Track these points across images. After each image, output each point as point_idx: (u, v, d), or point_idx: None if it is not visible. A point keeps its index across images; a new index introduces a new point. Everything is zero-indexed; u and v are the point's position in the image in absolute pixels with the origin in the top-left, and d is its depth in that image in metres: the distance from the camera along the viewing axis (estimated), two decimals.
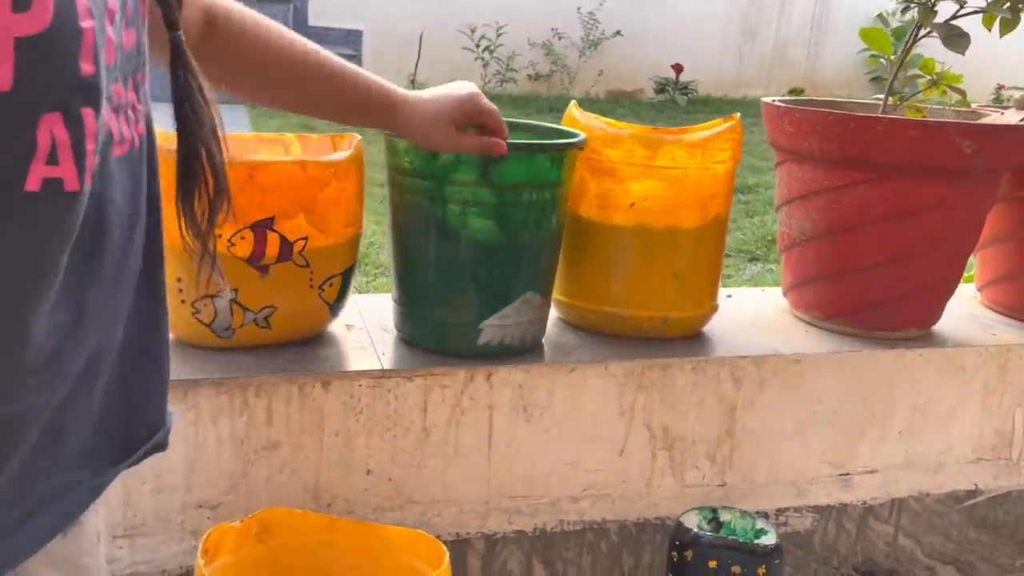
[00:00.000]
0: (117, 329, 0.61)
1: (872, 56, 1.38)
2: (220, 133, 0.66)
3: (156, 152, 0.61)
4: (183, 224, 0.66)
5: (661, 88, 7.63)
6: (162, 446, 0.69)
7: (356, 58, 7.19)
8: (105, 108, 0.51)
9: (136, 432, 0.66)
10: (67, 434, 0.58)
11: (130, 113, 0.56)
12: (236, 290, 1.01)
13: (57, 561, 0.66)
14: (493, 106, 0.97)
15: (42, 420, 0.55)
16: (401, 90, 0.95)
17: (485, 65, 7.23)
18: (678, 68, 7.61)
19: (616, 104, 6.82)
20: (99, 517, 0.73)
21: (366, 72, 0.92)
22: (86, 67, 0.47)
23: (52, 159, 0.47)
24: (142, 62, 0.57)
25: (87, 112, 0.48)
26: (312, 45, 0.88)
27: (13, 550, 0.56)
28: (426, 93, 0.96)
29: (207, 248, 0.68)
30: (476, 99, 0.96)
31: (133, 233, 0.59)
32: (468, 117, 0.96)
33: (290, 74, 0.86)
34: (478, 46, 7.13)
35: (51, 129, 0.47)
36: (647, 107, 6.85)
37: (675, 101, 7.30)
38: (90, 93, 0.48)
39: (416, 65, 7.01)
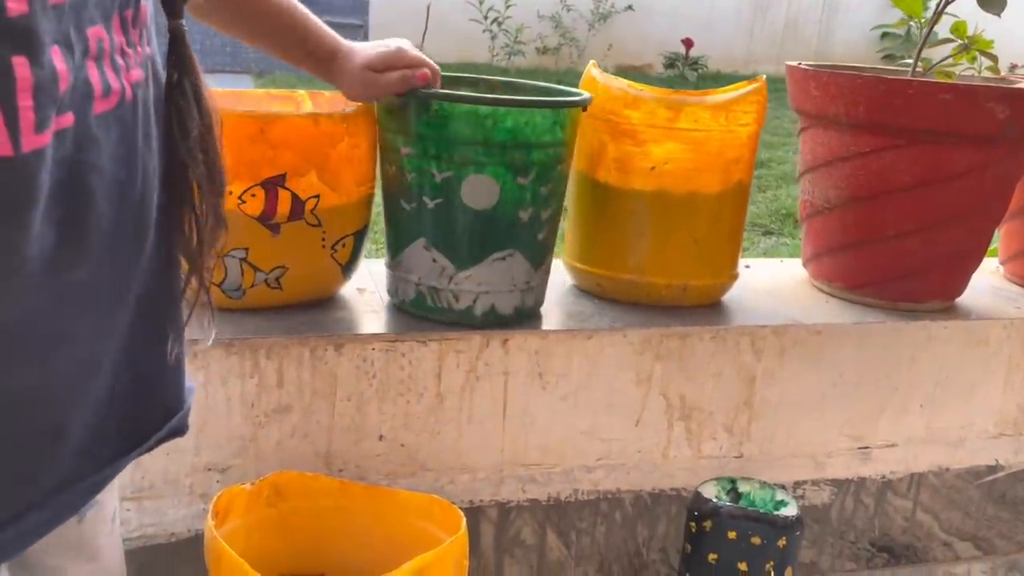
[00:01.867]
0: (119, 309, 0.55)
1: (886, 34, 1.34)
2: (212, 148, 0.57)
3: (163, 98, 0.53)
4: (170, 239, 0.58)
5: (671, 63, 7.55)
6: (179, 431, 0.64)
7: (363, 28, 7.12)
8: (61, 57, 0.43)
9: (150, 417, 0.61)
10: (68, 427, 0.53)
11: (118, 59, 0.48)
12: (247, 249, 0.98)
13: (72, 543, 0.63)
14: (421, 56, 0.96)
15: (37, 412, 0.51)
16: (347, 44, 0.95)
17: (493, 37, 7.16)
18: (688, 43, 7.53)
19: (625, 79, 6.74)
20: (115, 495, 0.71)
21: (320, 24, 0.94)
22: (14, 5, 0.39)
23: None
24: None
25: (18, 61, 0.40)
26: None
27: (9, 542, 0.52)
28: (358, 45, 0.96)
29: (199, 278, 0.60)
30: (401, 49, 0.95)
31: (129, 201, 0.51)
32: (389, 64, 0.95)
33: (253, 11, 0.88)
34: (486, 18, 7.04)
35: None
36: (656, 82, 6.72)
37: (684, 77, 7.23)
38: (22, 37, 0.40)
39: (423, 37, 6.94)
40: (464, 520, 0.87)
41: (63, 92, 0.43)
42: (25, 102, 0.41)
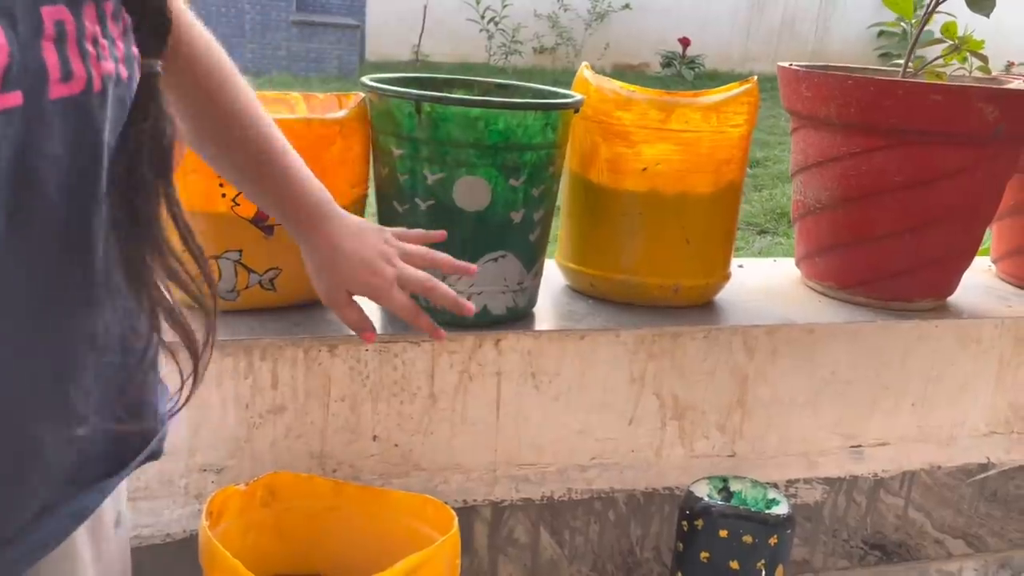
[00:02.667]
0: (95, 311, 0.51)
1: (883, 32, 1.35)
2: (176, 209, 0.54)
3: (143, 99, 0.51)
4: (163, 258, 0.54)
5: (667, 62, 7.56)
6: (157, 454, 0.61)
7: (359, 28, 7.13)
8: (4, 33, 0.41)
9: (128, 439, 0.58)
10: (43, 443, 0.50)
11: (88, 46, 0.46)
12: (240, 251, 0.99)
13: (69, 554, 0.59)
14: (402, 299, 0.82)
15: (3, 425, 0.47)
16: (335, 215, 0.81)
17: (490, 37, 7.17)
18: (685, 42, 7.54)
19: (622, 78, 6.76)
20: (120, 499, 0.67)
21: (305, 173, 0.80)
22: None
23: None
24: None
25: None
26: (262, 116, 0.76)
27: None
28: (347, 244, 0.81)
29: (203, 287, 0.58)
30: (383, 293, 0.82)
31: (88, 193, 0.48)
32: (371, 297, 0.83)
33: (227, 138, 0.74)
34: (483, 17, 7.05)
35: None
36: (653, 81, 6.79)
37: (681, 75, 7.24)
38: None
39: (420, 36, 6.95)
40: (456, 520, 0.87)
41: (3, 67, 0.41)
42: None
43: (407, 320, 0.84)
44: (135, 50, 0.51)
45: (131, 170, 0.52)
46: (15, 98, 0.42)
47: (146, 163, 0.52)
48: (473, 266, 0.88)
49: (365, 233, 0.83)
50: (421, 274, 0.83)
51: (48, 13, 0.43)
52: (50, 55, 0.44)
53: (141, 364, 0.58)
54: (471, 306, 0.84)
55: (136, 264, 0.54)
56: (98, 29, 0.47)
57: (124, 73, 0.49)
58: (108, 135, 0.49)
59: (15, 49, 0.42)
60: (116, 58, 0.49)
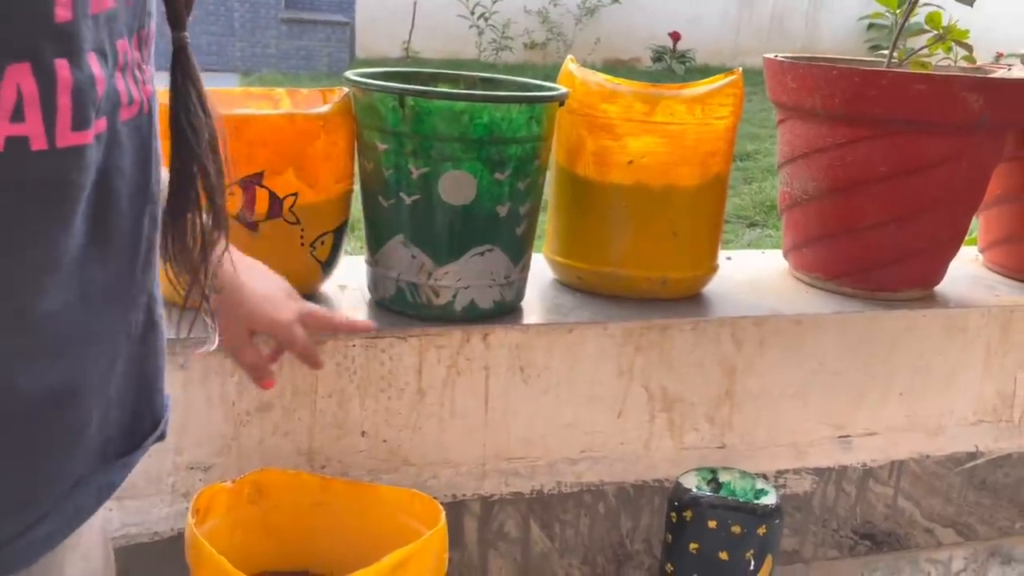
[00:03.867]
0: (131, 312, 0.57)
1: (872, 24, 1.36)
2: (221, 150, 0.60)
3: (156, 117, 0.57)
4: (170, 253, 0.60)
5: (658, 57, 7.57)
6: (163, 436, 0.67)
7: (349, 26, 7.11)
8: (96, 63, 0.46)
9: (143, 420, 0.63)
10: (90, 426, 0.55)
11: (137, 73, 0.52)
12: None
13: (72, 558, 0.63)
14: (304, 337, 0.86)
15: (68, 410, 0.52)
16: (239, 256, 0.81)
17: (480, 33, 7.16)
18: (675, 36, 7.55)
19: (612, 73, 6.76)
20: (112, 514, 0.71)
21: None
22: (61, 12, 0.43)
23: (17, 115, 0.43)
24: (148, 19, 0.53)
25: (61, 63, 0.44)
26: None
27: (25, 550, 0.53)
28: (252, 284, 0.83)
29: (198, 283, 0.62)
30: (286, 331, 0.84)
31: (142, 206, 0.55)
32: (272, 338, 0.86)
33: None
34: (473, 13, 7.04)
35: (17, 81, 0.42)
36: (644, 76, 6.80)
37: (672, 70, 7.25)
38: (65, 42, 0.44)
39: (410, 33, 6.93)
40: (443, 514, 0.87)
41: (100, 97, 0.47)
42: (64, 101, 0.45)
43: (307, 360, 0.87)
44: (152, 70, 0.56)
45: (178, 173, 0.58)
46: (102, 124, 0.48)
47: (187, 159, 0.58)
48: (370, 323, 0.93)
49: (270, 277, 0.86)
50: (322, 309, 0.89)
51: (120, 46, 0.49)
52: (120, 83, 0.50)
53: (156, 351, 0.63)
54: (369, 323, 0.92)
55: (156, 253, 0.59)
56: (140, 56, 0.53)
57: (154, 92, 0.56)
58: (153, 152, 0.55)
59: (106, 80, 0.48)
60: (151, 79, 0.55)
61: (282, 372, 1.00)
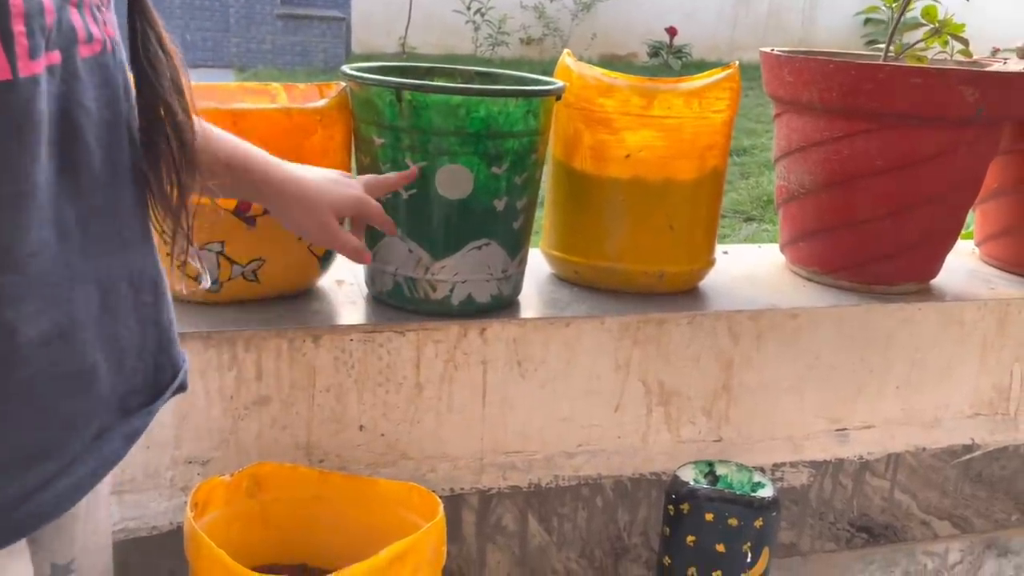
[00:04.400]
0: (128, 253, 0.59)
1: (869, 20, 1.36)
2: (185, 89, 0.61)
3: (126, 64, 0.57)
4: (152, 197, 0.61)
5: (655, 52, 7.56)
6: (184, 386, 0.68)
7: (345, 21, 7.09)
8: None
9: (163, 370, 0.64)
10: (98, 371, 0.56)
11: (97, 12, 0.52)
12: (223, 242, 0.98)
13: (77, 510, 0.64)
14: (380, 207, 0.91)
15: (66, 354, 0.53)
16: (276, 162, 0.83)
17: (476, 28, 7.15)
18: (672, 31, 7.54)
19: (609, 68, 6.75)
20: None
21: (235, 140, 0.81)
22: None
23: None
24: None
25: None
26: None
27: (53, 502, 0.54)
28: (309, 175, 0.86)
29: (180, 227, 0.64)
30: (363, 202, 0.88)
31: (114, 145, 0.55)
32: (353, 213, 0.89)
33: None
34: (469, 8, 7.03)
35: None
36: (640, 71, 6.77)
37: (669, 65, 7.25)
38: None
39: (406, 28, 6.91)
40: (441, 506, 0.88)
41: (49, 26, 0.47)
42: (18, 27, 0.45)
43: (379, 223, 0.92)
44: (114, 16, 0.56)
45: (148, 123, 0.59)
46: (55, 56, 0.48)
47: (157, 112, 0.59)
48: (415, 169, 0.96)
49: (318, 168, 0.89)
50: (375, 176, 0.93)
51: None
52: (76, 18, 0.50)
53: (167, 303, 0.65)
54: (415, 169, 0.96)
55: (157, 210, 0.61)
56: None
57: (117, 37, 0.56)
58: (122, 92, 0.55)
59: (56, 10, 0.47)
60: (112, 24, 0.55)
61: (280, 366, 1.01)
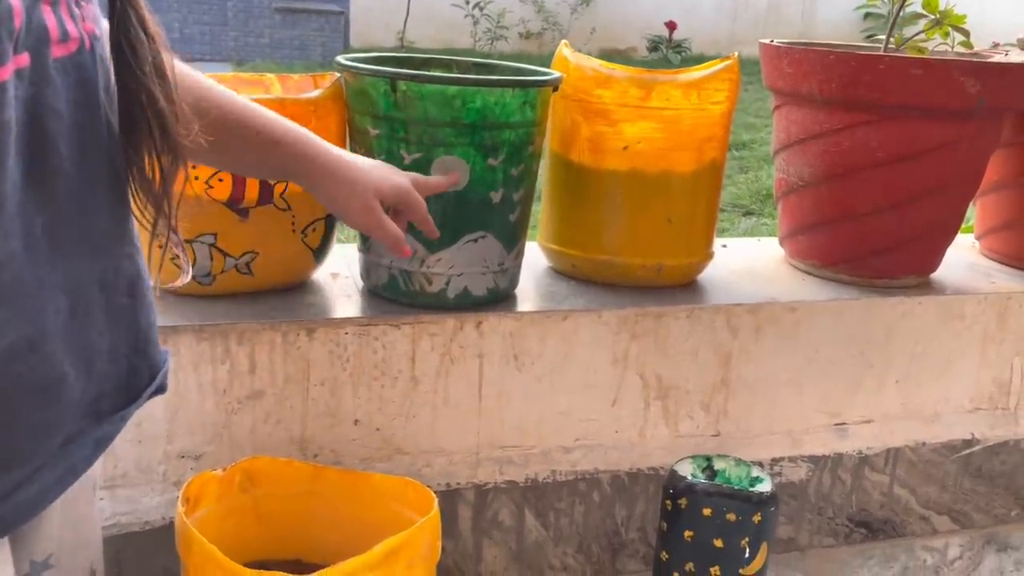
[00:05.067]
0: (100, 255, 0.57)
1: (869, 14, 1.35)
2: (168, 73, 0.58)
3: (108, 59, 0.55)
4: (133, 183, 0.59)
5: (654, 46, 7.54)
6: (163, 388, 0.66)
7: (343, 15, 7.07)
8: None
9: (139, 373, 0.63)
10: (67, 379, 0.54)
11: (74, 8, 0.50)
12: (216, 234, 0.97)
13: (53, 506, 0.63)
14: (423, 201, 0.88)
15: (36, 363, 0.52)
16: (320, 143, 0.82)
17: (475, 23, 7.13)
18: (671, 25, 7.52)
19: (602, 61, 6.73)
20: (96, 463, 0.70)
21: (275, 117, 0.79)
22: None
23: None
24: None
25: None
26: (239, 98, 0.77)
27: (16, 509, 0.53)
28: (359, 160, 0.84)
29: (162, 214, 0.61)
30: (411, 193, 0.85)
31: (89, 145, 0.53)
32: (398, 203, 0.85)
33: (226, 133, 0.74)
34: (468, 2, 7.01)
35: None
36: (639, 65, 6.72)
37: (668, 60, 7.22)
38: None
39: (405, 22, 6.90)
40: (436, 501, 0.87)
41: (17, 29, 0.45)
42: None
43: (420, 218, 0.88)
44: (96, 9, 0.54)
45: (128, 123, 0.57)
46: (24, 59, 0.46)
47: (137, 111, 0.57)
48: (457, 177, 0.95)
49: (362, 157, 0.87)
50: (422, 177, 0.91)
51: None
52: (49, 17, 0.47)
53: (146, 303, 0.63)
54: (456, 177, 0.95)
55: (139, 197, 0.59)
56: None
57: (98, 32, 0.53)
58: (102, 93, 0.53)
59: (25, 11, 0.45)
60: (92, 18, 0.53)
61: (274, 360, 1.00)
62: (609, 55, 7.53)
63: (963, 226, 1.35)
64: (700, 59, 7.28)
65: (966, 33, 1.27)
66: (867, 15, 7.76)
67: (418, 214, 0.88)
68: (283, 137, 0.78)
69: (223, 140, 0.72)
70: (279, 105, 0.96)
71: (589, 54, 1.19)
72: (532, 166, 1.06)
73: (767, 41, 1.27)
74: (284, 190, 0.98)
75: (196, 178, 0.93)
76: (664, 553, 1.05)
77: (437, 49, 6.99)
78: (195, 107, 0.65)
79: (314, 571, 0.76)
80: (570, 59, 1.15)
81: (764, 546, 1.02)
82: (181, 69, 0.71)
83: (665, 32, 7.56)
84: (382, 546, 0.78)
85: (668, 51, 7.41)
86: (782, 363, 1.21)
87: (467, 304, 1.05)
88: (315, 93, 0.99)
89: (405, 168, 0.98)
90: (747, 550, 1.01)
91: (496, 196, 1.02)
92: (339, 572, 0.76)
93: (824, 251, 1.27)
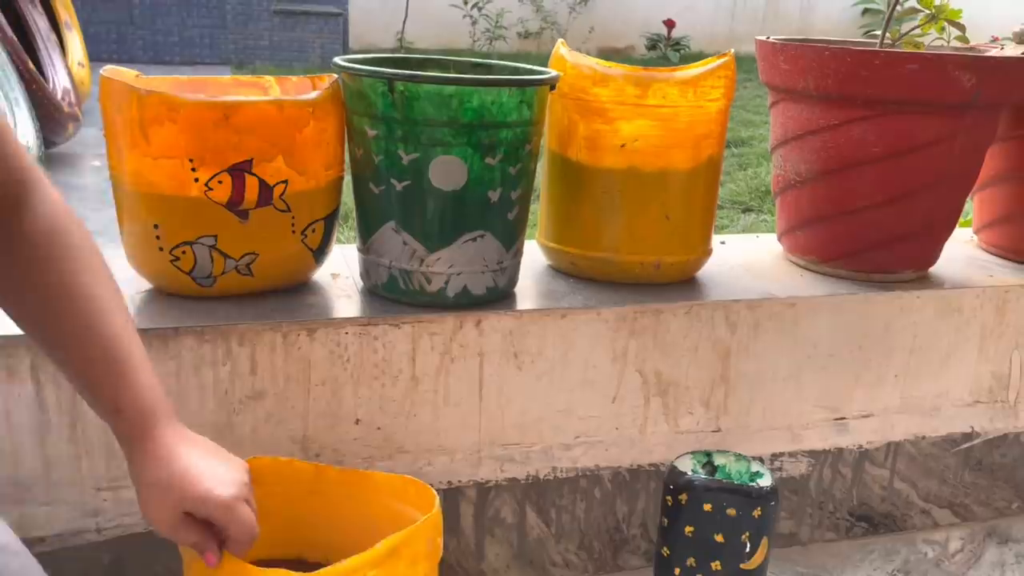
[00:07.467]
0: None
1: (867, 10, 1.35)
2: None
3: None
4: None
5: (653, 45, 7.54)
6: None
7: (342, 16, 7.07)
8: None
9: None
10: None
11: None
12: (216, 236, 0.98)
13: None
14: (247, 518, 0.73)
15: None
16: (165, 424, 0.72)
17: (474, 23, 7.13)
18: (670, 24, 7.52)
19: (599, 59, 6.73)
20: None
21: (144, 370, 0.71)
22: None
23: None
24: None
25: None
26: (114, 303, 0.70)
27: None
28: (186, 460, 0.72)
29: None
30: (231, 508, 0.71)
31: None
32: (210, 518, 0.72)
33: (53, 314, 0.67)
34: (466, 3, 7.01)
35: None
36: (638, 64, 6.73)
37: (667, 58, 7.22)
38: None
39: (404, 23, 6.90)
40: (438, 499, 0.87)
41: None
42: None
43: (241, 540, 0.74)
44: None
45: None
46: None
47: None
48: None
49: (220, 451, 0.76)
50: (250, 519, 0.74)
51: None
52: None
53: None
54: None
55: None
56: None
57: None
58: None
59: None
60: None
61: (275, 360, 1.00)
62: (608, 54, 7.53)
63: (962, 220, 1.36)
64: (699, 56, 7.27)
65: (962, 28, 1.27)
66: (865, 10, 7.76)
67: (240, 531, 0.73)
68: (126, 405, 0.69)
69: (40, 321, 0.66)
70: (277, 107, 0.96)
71: (588, 53, 1.20)
72: (530, 165, 1.06)
73: (763, 38, 1.27)
74: (283, 191, 0.98)
75: (196, 180, 0.94)
76: (665, 549, 1.06)
77: (436, 49, 7.00)
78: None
79: (316, 569, 0.76)
80: (567, 58, 1.15)
81: (765, 541, 1.03)
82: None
83: (664, 30, 7.56)
84: (383, 544, 0.78)
85: (667, 49, 7.41)
86: (781, 358, 1.21)
87: (466, 303, 1.06)
88: (313, 94, 0.99)
89: (403, 168, 0.99)
90: (748, 545, 1.02)
91: (494, 195, 1.02)
92: (341, 570, 0.76)
93: (822, 246, 1.28)
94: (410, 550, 0.80)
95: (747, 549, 1.02)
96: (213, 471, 0.73)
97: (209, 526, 0.73)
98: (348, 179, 1.08)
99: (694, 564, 1.03)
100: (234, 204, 0.97)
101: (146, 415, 0.71)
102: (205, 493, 0.71)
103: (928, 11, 1.25)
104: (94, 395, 0.71)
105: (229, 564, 0.74)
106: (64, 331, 0.69)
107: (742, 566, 1.02)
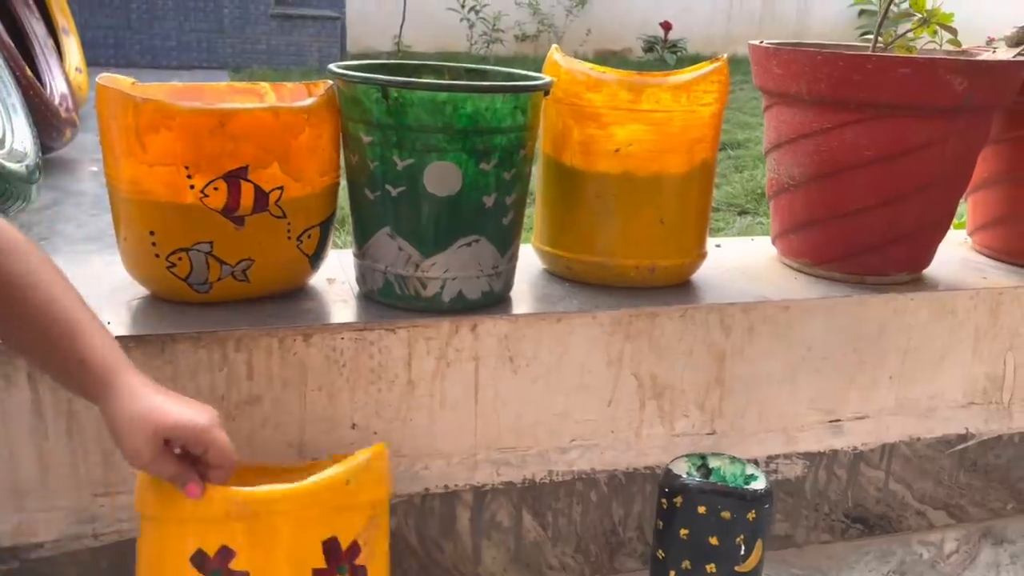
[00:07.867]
0: None
1: (863, 11, 1.36)
2: None
3: None
4: None
5: (649, 47, 7.56)
6: None
7: (339, 20, 7.08)
8: None
9: None
10: None
11: None
12: (212, 242, 0.98)
13: None
14: (225, 442, 0.79)
15: None
16: (133, 373, 0.77)
17: (471, 26, 7.14)
18: (666, 26, 7.53)
19: (604, 64, 6.74)
20: None
21: (102, 330, 0.76)
22: None
23: None
24: None
25: None
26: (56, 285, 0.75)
27: None
28: (158, 396, 0.77)
29: None
30: (207, 431, 0.77)
31: None
32: (188, 444, 0.77)
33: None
34: (463, 6, 7.02)
35: None
36: (635, 66, 6.77)
37: (664, 60, 7.24)
38: None
39: (401, 27, 6.91)
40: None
41: None
42: None
43: (217, 465, 0.79)
44: None
45: None
46: None
47: None
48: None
49: (188, 399, 0.81)
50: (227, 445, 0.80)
51: None
52: None
53: None
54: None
55: None
56: None
57: None
58: None
59: None
60: None
61: (271, 365, 1.01)
62: (605, 56, 7.54)
63: (955, 222, 1.36)
64: (696, 59, 7.29)
65: (953, 31, 1.28)
66: (862, 12, 7.77)
67: (219, 456, 0.79)
68: (88, 353, 0.74)
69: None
70: (273, 114, 0.97)
71: (585, 55, 1.21)
72: (524, 170, 1.07)
73: (756, 42, 1.28)
74: (279, 197, 0.99)
75: (192, 187, 0.95)
76: (660, 551, 1.06)
77: (433, 53, 7.01)
78: None
79: None
80: (561, 63, 1.16)
81: (759, 543, 1.03)
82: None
83: (660, 32, 7.57)
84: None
85: (664, 51, 7.42)
86: (776, 361, 1.22)
87: (462, 307, 1.06)
88: (308, 101, 1.00)
89: (398, 174, 0.99)
90: (742, 547, 1.02)
91: (489, 200, 1.03)
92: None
93: (816, 249, 1.28)
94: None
95: (742, 552, 1.02)
96: (186, 404, 0.79)
97: (186, 460, 0.78)
98: (344, 185, 1.08)
99: (689, 567, 1.04)
100: (230, 210, 0.97)
101: (110, 362, 0.76)
102: (181, 417, 0.76)
103: (920, 15, 1.25)
104: (58, 356, 0.75)
105: (211, 491, 0.76)
106: (19, 314, 0.74)
107: (737, 568, 1.03)
